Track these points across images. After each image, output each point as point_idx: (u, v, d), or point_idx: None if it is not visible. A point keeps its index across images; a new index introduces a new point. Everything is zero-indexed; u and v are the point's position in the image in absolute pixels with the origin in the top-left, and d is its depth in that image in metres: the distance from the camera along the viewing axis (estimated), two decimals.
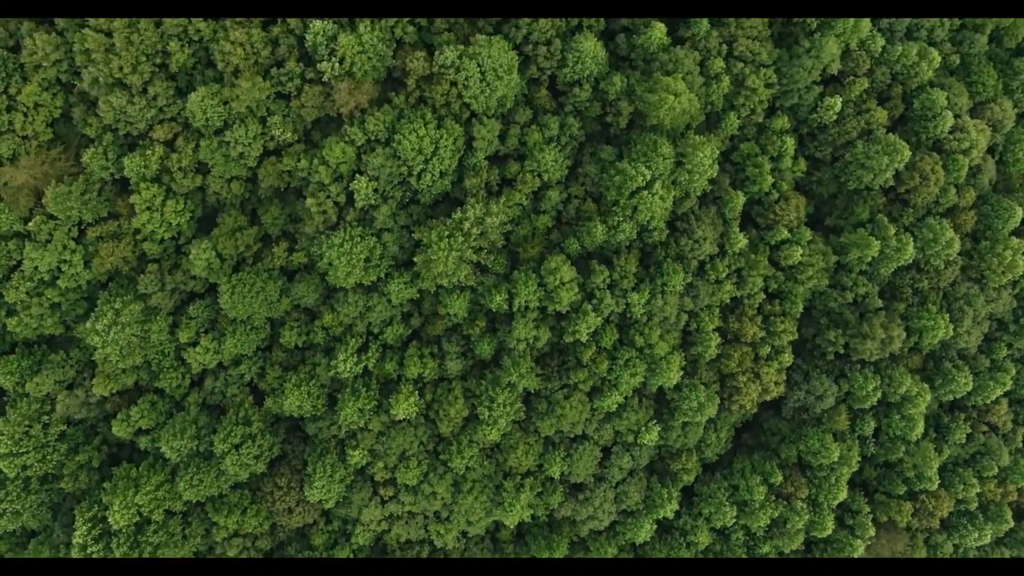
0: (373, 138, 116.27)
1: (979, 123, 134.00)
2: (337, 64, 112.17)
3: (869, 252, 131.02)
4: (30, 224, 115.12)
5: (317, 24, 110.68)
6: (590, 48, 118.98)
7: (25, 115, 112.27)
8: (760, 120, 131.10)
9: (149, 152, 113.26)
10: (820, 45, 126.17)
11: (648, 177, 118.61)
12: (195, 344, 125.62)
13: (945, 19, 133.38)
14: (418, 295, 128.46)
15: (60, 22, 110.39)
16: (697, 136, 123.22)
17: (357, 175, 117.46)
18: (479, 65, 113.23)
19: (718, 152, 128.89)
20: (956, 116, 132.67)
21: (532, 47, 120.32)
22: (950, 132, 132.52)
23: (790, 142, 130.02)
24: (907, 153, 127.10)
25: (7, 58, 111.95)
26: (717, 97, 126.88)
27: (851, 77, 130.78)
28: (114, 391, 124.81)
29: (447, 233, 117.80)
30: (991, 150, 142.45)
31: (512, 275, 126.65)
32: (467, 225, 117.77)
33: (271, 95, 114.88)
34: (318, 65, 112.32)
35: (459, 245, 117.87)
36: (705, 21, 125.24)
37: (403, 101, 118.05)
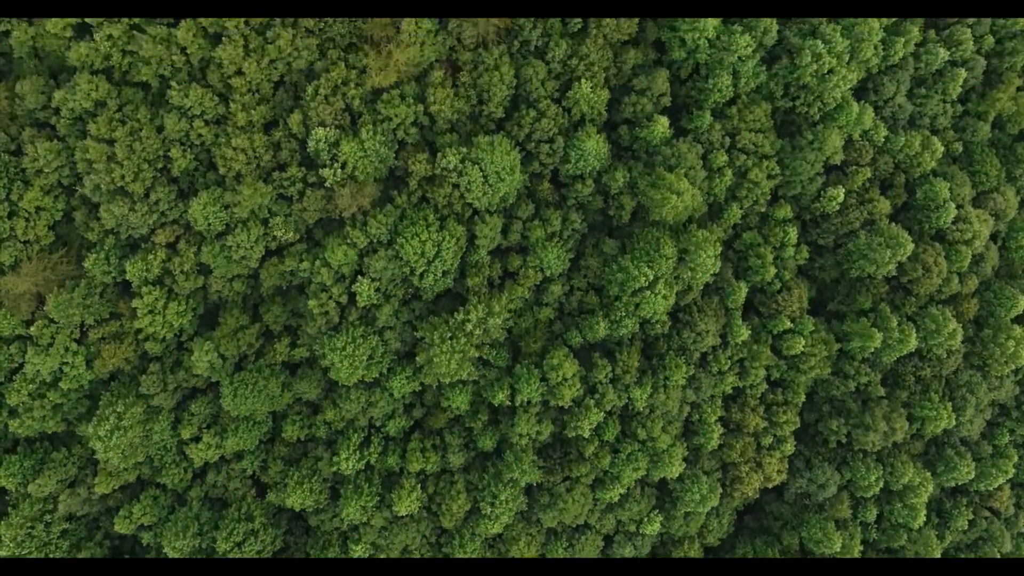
0: (375, 240, 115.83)
1: (982, 213, 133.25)
2: (339, 169, 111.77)
3: (872, 344, 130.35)
4: (32, 328, 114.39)
5: (320, 132, 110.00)
6: (592, 147, 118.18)
7: (27, 220, 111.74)
8: (763, 209, 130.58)
9: (151, 257, 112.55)
10: (823, 137, 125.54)
11: (651, 278, 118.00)
12: (197, 440, 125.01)
13: (948, 106, 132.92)
14: (420, 387, 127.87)
15: (61, 128, 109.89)
16: (700, 232, 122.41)
17: (359, 276, 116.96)
18: (482, 170, 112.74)
19: (721, 242, 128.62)
20: (959, 207, 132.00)
21: (534, 145, 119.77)
22: (953, 223, 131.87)
23: (792, 233, 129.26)
24: (910, 247, 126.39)
25: (8, 162, 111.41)
26: (720, 190, 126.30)
27: (854, 166, 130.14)
28: (116, 487, 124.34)
29: (449, 335, 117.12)
30: (994, 236, 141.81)
31: (514, 369, 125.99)
32: (470, 327, 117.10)
33: (273, 196, 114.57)
34: (320, 171, 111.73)
35: (461, 347, 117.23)
36: (708, 114, 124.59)
37: (405, 200, 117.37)
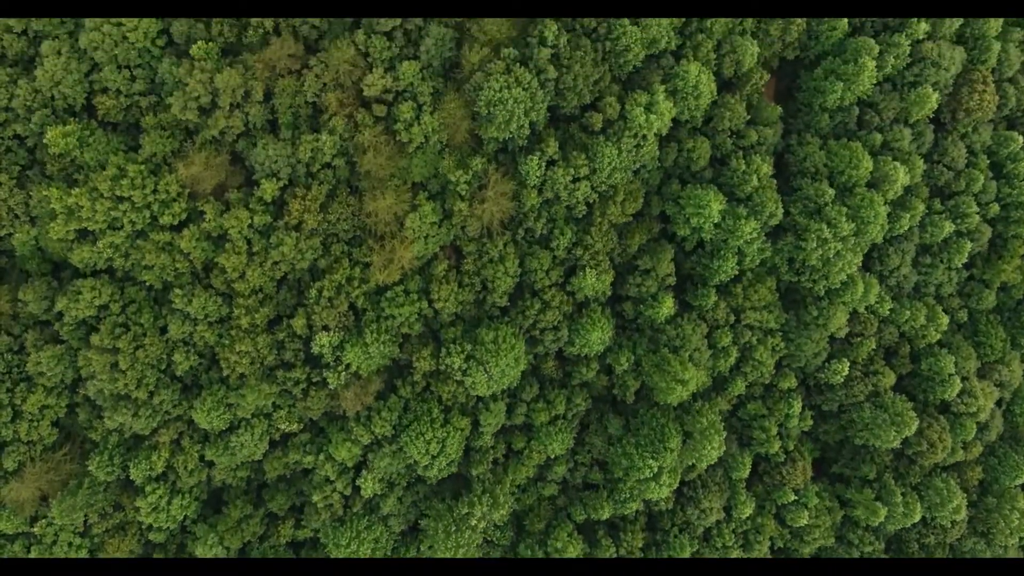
0: (380, 437, 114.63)
1: (987, 385, 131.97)
2: (344, 372, 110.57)
3: (876, 519, 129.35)
4: (35, 528, 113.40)
5: (323, 338, 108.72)
6: (597, 336, 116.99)
7: (30, 422, 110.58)
8: (767, 381, 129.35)
9: (155, 456, 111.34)
10: (828, 315, 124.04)
11: (655, 470, 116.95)
12: None
13: (953, 273, 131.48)
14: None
15: (64, 334, 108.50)
16: (705, 417, 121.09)
17: (363, 470, 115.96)
18: (486, 371, 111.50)
19: (724, 413, 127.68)
20: (963, 379, 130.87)
21: (539, 332, 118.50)
22: (958, 396, 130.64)
23: (797, 405, 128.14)
24: (914, 425, 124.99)
25: (11, 362, 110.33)
26: (725, 367, 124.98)
27: (858, 338, 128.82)
28: None
29: (454, 527, 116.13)
30: (998, 402, 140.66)
31: (518, 549, 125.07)
32: (474, 520, 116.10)
33: (277, 392, 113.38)
34: (325, 375, 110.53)
35: (466, 540, 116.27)
36: (712, 292, 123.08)
37: (409, 392, 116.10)
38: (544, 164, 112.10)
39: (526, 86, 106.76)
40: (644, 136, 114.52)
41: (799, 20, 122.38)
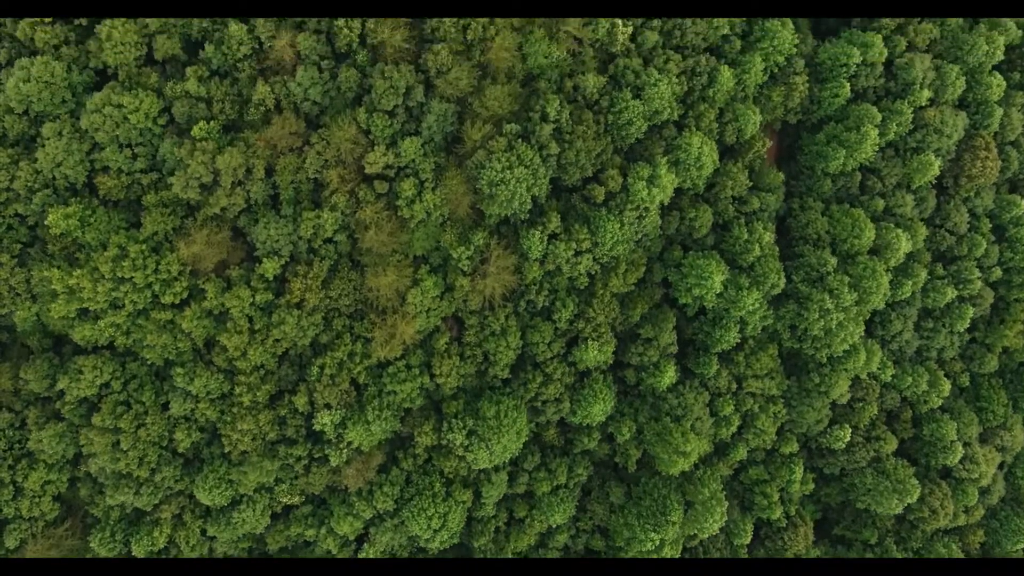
0: (382, 512, 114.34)
1: (989, 450, 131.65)
2: (345, 449, 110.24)
3: None
4: None
5: (325, 417, 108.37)
6: (599, 409, 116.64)
7: (32, 499, 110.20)
8: (769, 446, 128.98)
9: (156, 532, 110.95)
10: (830, 382, 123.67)
11: (657, 543, 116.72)
12: None
13: (955, 337, 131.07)
14: None
15: (66, 413, 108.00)
16: (707, 488, 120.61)
17: (365, 543, 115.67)
18: (488, 447, 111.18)
19: (726, 478, 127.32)
20: (966, 444, 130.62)
21: (541, 404, 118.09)
22: (960, 462, 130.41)
23: (799, 471, 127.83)
24: (916, 492, 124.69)
25: (13, 438, 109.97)
26: (727, 434, 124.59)
27: (860, 403, 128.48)
28: None
29: None
30: (1000, 465, 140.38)
31: None
32: None
33: (279, 467, 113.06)
34: (327, 452, 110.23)
35: None
36: (714, 360, 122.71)
37: (411, 465, 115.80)
38: (546, 238, 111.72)
39: (528, 163, 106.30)
40: (646, 208, 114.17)
41: (801, 86, 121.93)
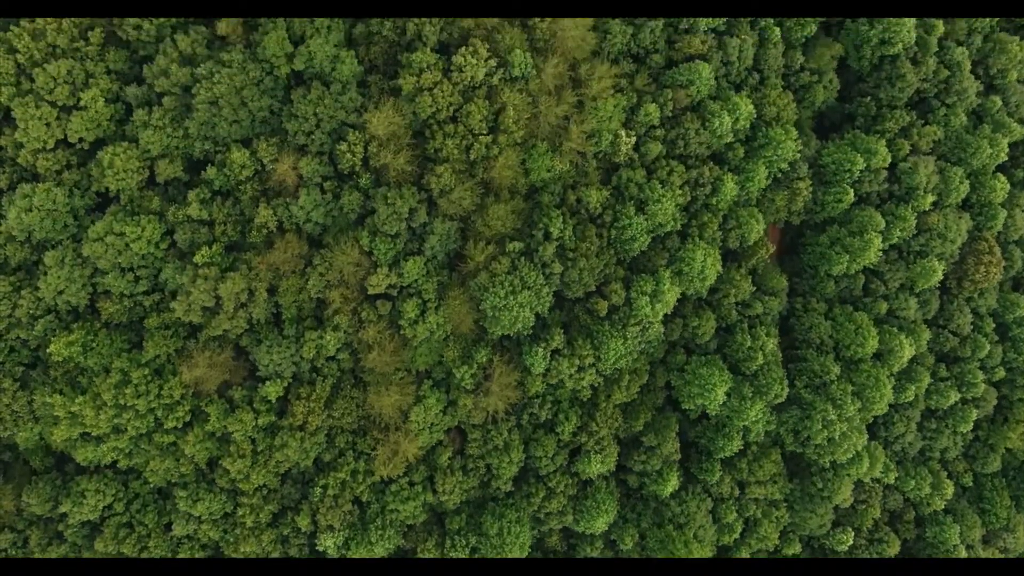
0: None
1: (992, 552, 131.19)
2: None
3: None
4: None
5: (328, 539, 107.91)
6: (602, 522, 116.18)
7: None
8: (771, 549, 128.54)
9: None
10: (833, 487, 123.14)
11: None
12: None
13: (958, 438, 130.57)
14: None
15: (69, 536, 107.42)
16: None
17: None
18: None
19: None
20: (968, 547, 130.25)
21: (545, 515, 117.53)
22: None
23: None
24: None
25: (16, 556, 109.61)
26: (730, 540, 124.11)
27: (863, 506, 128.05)
28: None
29: None
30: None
31: None
32: None
33: None
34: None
35: None
36: (717, 466, 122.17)
37: None
38: (549, 354, 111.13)
39: (531, 284, 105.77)
40: (650, 322, 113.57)
41: (805, 191, 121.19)
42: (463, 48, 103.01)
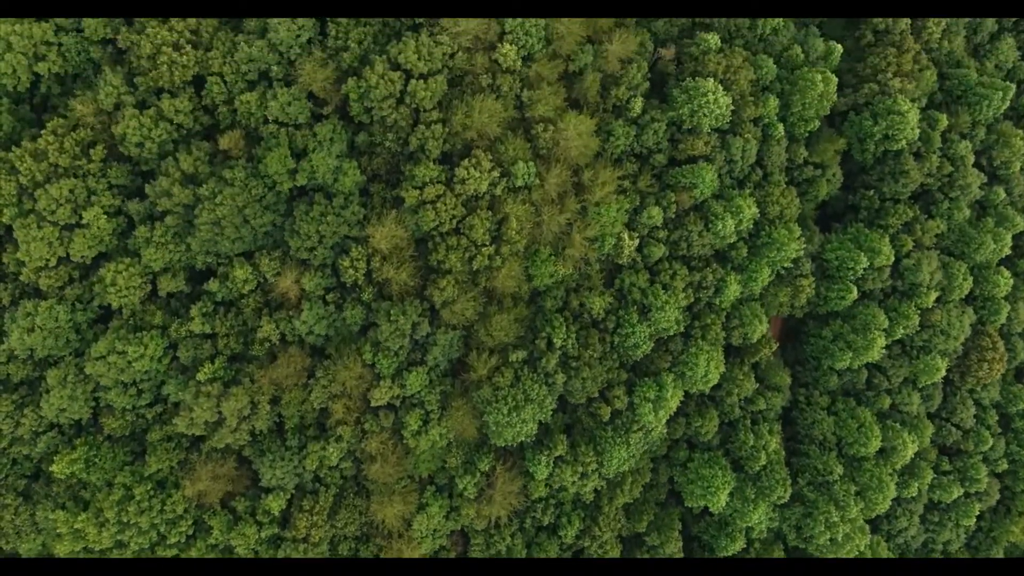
0: None
1: None
2: None
3: None
4: None
5: None
6: None
7: None
8: None
9: None
10: None
11: None
12: None
13: (960, 530, 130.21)
14: None
15: None
16: None
17: None
18: None
19: None
20: None
21: None
22: None
23: None
24: None
25: None
26: None
27: None
28: None
29: None
30: None
31: None
32: None
33: None
34: None
35: None
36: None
37: None
38: (552, 461, 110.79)
39: (534, 398, 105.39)
40: (653, 426, 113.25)
41: (808, 288, 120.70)
42: (466, 160, 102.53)
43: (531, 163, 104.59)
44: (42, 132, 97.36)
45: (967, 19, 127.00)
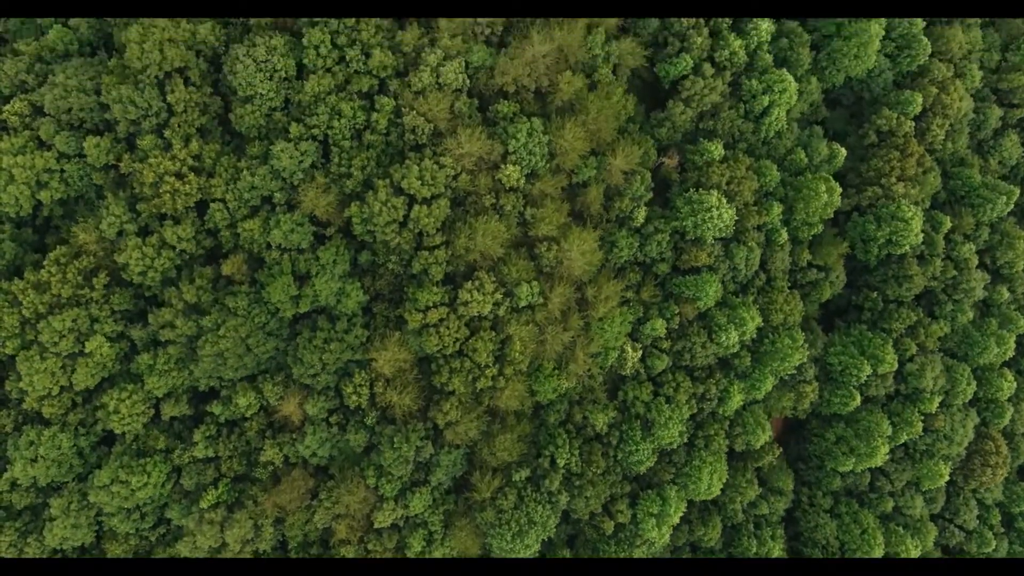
0: None
1: None
2: None
3: None
4: None
5: None
6: None
7: None
8: None
9: None
10: None
11: None
12: None
13: None
14: None
15: None
16: None
17: None
18: None
19: None
20: None
21: None
22: None
23: None
24: None
25: None
26: None
27: None
28: None
29: None
30: None
31: None
32: None
33: None
34: None
35: None
36: None
37: None
38: None
39: (537, 520, 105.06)
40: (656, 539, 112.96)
41: (811, 394, 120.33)
42: (469, 282, 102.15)
43: (535, 283, 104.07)
44: (44, 263, 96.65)
45: (971, 116, 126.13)
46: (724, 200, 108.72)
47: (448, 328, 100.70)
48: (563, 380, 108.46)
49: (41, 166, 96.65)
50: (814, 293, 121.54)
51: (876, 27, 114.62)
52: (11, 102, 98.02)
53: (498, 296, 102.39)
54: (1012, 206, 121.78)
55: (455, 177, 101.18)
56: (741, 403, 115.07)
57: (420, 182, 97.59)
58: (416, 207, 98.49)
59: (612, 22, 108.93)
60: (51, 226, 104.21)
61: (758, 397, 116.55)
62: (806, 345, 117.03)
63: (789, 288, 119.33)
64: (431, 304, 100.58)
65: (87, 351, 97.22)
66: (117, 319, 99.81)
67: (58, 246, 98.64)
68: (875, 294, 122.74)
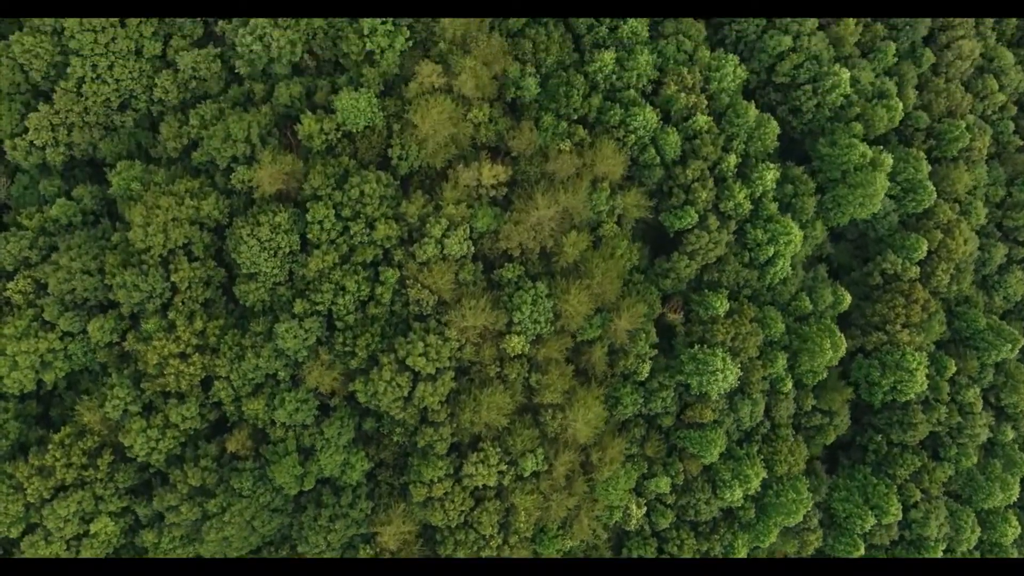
0: None
1: None
2: None
3: None
4: None
5: None
6: None
7: None
8: None
9: None
10: None
11: None
12: None
13: None
14: None
15: None
16: None
17: None
18: None
19: None
20: None
21: None
22: None
23: None
24: None
25: None
26: None
27: None
28: None
29: None
30: None
31: None
32: None
33: None
34: None
35: None
36: None
37: None
38: None
39: None
40: None
41: (815, 541, 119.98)
42: (474, 454, 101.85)
43: (539, 451, 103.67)
44: (49, 446, 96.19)
45: (976, 255, 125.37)
46: (729, 358, 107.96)
47: (453, 501, 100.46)
48: (567, 540, 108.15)
49: (44, 348, 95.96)
50: (818, 437, 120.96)
51: (882, 179, 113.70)
52: (15, 279, 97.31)
53: (503, 467, 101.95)
54: (1017, 352, 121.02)
55: (460, 348, 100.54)
56: (745, 554, 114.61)
57: (424, 359, 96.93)
58: (420, 384, 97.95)
59: (617, 175, 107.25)
60: (55, 395, 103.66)
61: (763, 546, 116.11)
62: (810, 494, 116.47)
63: (793, 435, 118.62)
64: (436, 479, 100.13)
65: (92, 532, 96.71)
66: (121, 494, 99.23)
67: (62, 425, 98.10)
68: (879, 437, 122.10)
